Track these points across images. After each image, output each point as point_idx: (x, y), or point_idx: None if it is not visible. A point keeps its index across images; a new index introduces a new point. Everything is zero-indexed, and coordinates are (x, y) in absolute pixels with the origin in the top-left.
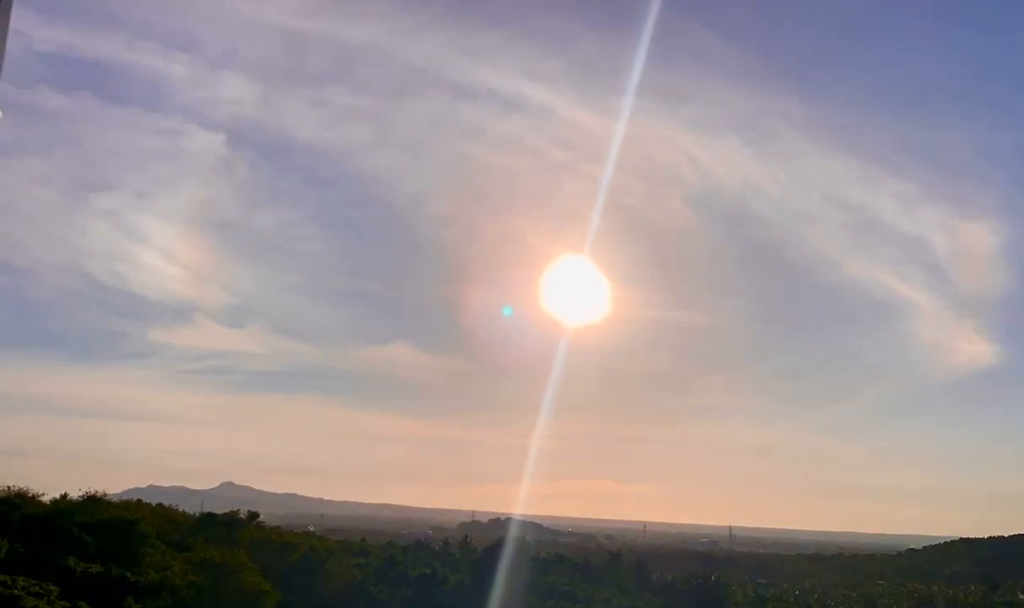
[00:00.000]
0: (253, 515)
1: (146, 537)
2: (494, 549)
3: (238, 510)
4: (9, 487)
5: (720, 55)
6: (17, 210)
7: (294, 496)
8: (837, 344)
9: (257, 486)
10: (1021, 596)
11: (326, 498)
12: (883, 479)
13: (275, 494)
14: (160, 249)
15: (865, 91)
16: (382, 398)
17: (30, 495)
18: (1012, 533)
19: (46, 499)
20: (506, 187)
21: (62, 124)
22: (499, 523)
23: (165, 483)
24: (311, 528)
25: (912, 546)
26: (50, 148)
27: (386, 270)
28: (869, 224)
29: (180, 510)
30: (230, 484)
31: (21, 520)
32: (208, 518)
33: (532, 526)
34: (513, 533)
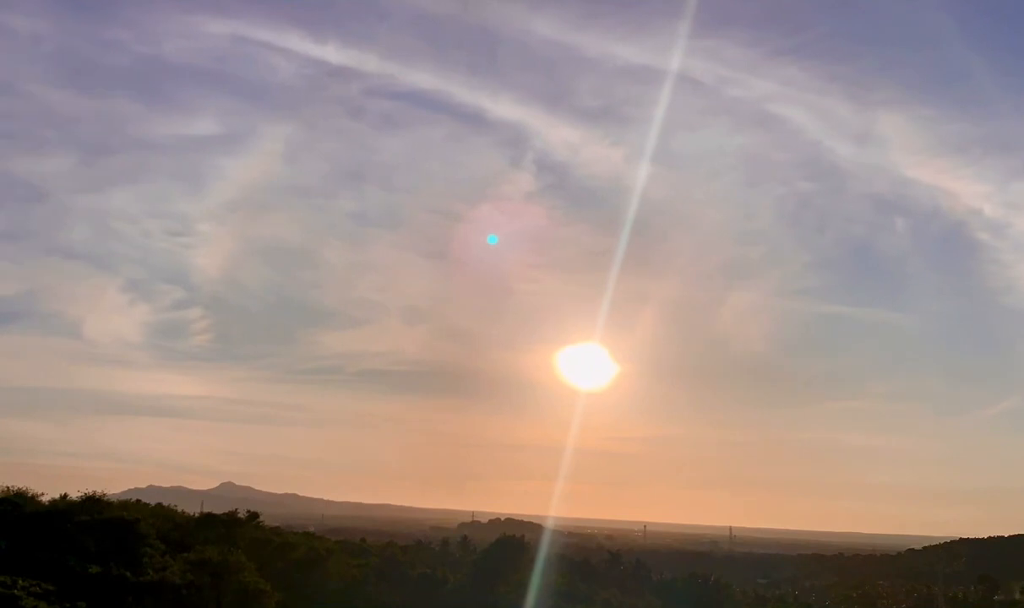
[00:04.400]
0: (253, 515)
1: (146, 537)
2: (494, 549)
3: (237, 510)
4: (8, 487)
5: (951, 74)
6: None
7: (294, 496)
8: (999, 357)
9: (257, 486)
10: (1019, 596)
11: (326, 498)
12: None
13: (275, 494)
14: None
15: None
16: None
17: (30, 495)
18: (1012, 533)
19: (46, 499)
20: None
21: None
22: (499, 523)
23: (165, 483)
24: (311, 528)
25: (912, 546)
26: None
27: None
28: None
29: (180, 510)
30: (230, 484)
31: (21, 520)
32: (208, 518)
33: (531, 526)
34: (513, 533)
